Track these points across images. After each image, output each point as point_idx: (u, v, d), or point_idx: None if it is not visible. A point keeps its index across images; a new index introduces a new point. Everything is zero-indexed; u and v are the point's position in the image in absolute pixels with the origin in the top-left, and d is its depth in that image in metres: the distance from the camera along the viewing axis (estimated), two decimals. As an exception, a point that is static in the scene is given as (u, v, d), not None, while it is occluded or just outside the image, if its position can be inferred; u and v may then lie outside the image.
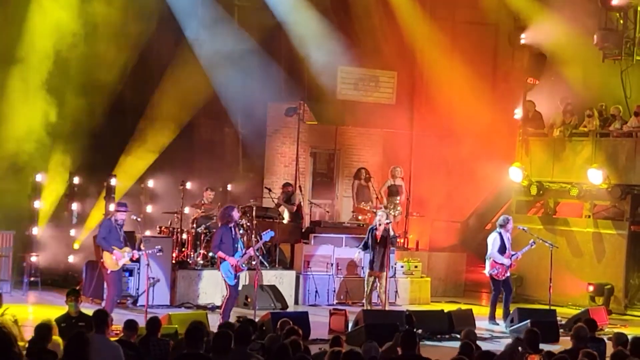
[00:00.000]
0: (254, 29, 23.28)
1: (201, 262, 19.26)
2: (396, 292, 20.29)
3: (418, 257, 21.48)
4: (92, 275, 18.29)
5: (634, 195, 21.41)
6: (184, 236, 19.51)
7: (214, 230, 18.59)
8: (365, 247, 18.26)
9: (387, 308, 18.03)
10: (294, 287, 19.89)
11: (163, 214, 20.60)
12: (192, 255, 19.34)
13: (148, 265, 16.32)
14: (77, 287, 16.62)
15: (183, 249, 19.46)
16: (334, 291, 20.09)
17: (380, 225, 18.09)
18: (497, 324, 18.03)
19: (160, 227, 20.12)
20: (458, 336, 14.51)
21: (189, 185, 20.88)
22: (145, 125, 22.36)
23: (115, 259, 15.50)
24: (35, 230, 20.32)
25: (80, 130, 20.37)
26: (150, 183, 22.20)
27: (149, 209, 22.06)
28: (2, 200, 19.49)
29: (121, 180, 21.24)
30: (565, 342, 13.90)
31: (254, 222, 19.56)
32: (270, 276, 19.48)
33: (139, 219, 18.07)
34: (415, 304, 20.33)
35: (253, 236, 18.94)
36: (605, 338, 13.04)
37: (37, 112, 19.43)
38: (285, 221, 21.21)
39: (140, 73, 21.79)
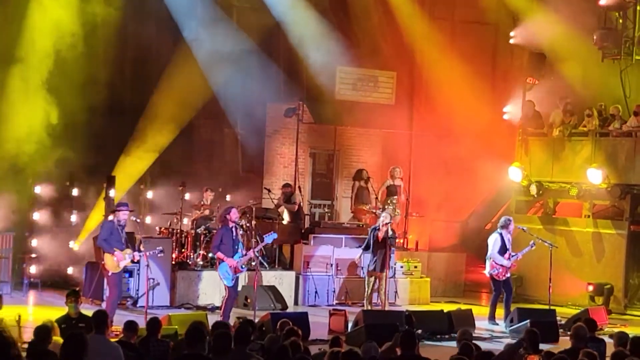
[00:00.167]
0: (252, 29, 23.28)
1: (201, 262, 19.26)
2: (396, 292, 20.30)
3: (418, 258, 21.49)
4: (92, 276, 18.30)
5: (634, 195, 21.42)
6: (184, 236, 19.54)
7: (214, 230, 18.61)
8: (367, 248, 18.27)
9: (386, 308, 18.04)
10: (294, 287, 19.89)
11: (162, 214, 20.59)
12: (191, 256, 19.34)
13: (148, 266, 16.32)
14: (77, 288, 16.59)
15: (183, 250, 19.46)
16: (334, 292, 20.09)
17: (382, 226, 18.10)
18: (497, 324, 18.03)
19: (159, 228, 20.12)
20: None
21: (188, 186, 20.89)
22: (144, 125, 22.35)
23: (116, 260, 15.46)
24: (35, 232, 20.31)
25: (80, 130, 20.36)
26: (150, 184, 22.18)
27: (149, 209, 22.05)
28: (1, 201, 19.48)
29: (120, 180, 21.24)
30: (565, 342, 13.88)
31: (254, 222, 19.58)
32: (270, 277, 19.48)
33: (138, 220, 18.06)
34: (415, 304, 20.33)
35: (253, 237, 18.96)
36: (607, 337, 13.04)
37: (37, 113, 19.42)
38: (284, 222, 21.22)
39: (139, 73, 21.80)
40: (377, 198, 22.07)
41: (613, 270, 21.39)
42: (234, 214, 16.20)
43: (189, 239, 19.46)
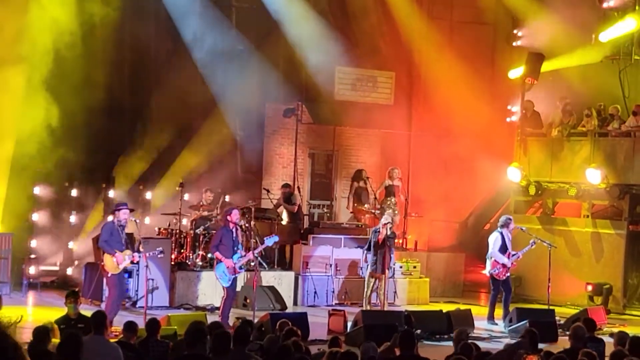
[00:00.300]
0: (251, 29, 23.30)
1: (200, 263, 19.26)
2: (395, 292, 20.30)
3: (417, 258, 21.50)
4: (91, 276, 18.30)
5: (633, 195, 21.42)
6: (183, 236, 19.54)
7: (213, 231, 18.62)
8: (369, 249, 18.29)
9: (385, 308, 18.05)
10: (293, 287, 19.89)
11: (162, 215, 20.59)
12: (191, 257, 19.34)
13: (147, 266, 16.31)
14: (77, 289, 16.59)
15: (182, 251, 19.46)
16: (333, 292, 20.09)
17: (382, 227, 18.12)
18: (496, 324, 18.03)
19: (159, 229, 20.12)
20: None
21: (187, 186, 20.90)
22: (143, 126, 22.36)
23: (116, 262, 15.45)
24: (34, 232, 20.30)
25: (79, 131, 20.36)
26: (149, 184, 22.18)
27: (148, 208, 22.04)
28: (1, 201, 19.49)
29: (119, 180, 21.24)
30: (564, 342, 13.90)
31: (253, 223, 19.58)
32: (269, 277, 19.48)
33: (137, 221, 18.06)
34: (414, 304, 20.33)
35: (252, 237, 18.96)
36: (607, 336, 13.04)
37: (37, 113, 19.42)
38: (284, 222, 21.22)
39: (138, 74, 21.80)
40: (376, 198, 22.07)
41: (612, 270, 21.40)
42: (235, 215, 16.20)
43: (188, 239, 19.46)
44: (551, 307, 18.00)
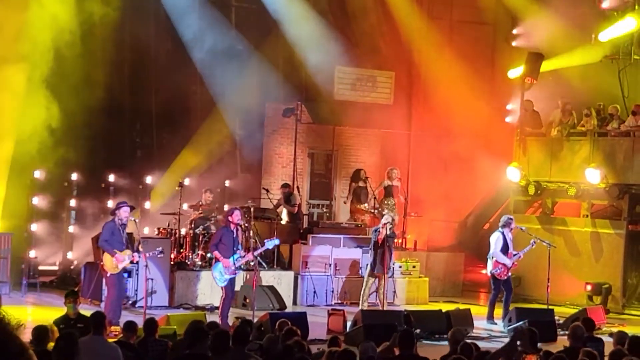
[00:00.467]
0: (251, 29, 23.30)
1: (199, 263, 19.25)
2: (394, 292, 20.30)
3: (416, 257, 21.49)
4: (91, 276, 18.30)
5: (632, 195, 21.43)
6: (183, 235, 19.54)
7: (212, 231, 18.62)
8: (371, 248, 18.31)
9: (385, 308, 18.05)
10: (292, 287, 19.89)
11: (161, 214, 20.59)
12: (190, 256, 19.34)
13: (146, 266, 16.31)
14: (76, 289, 16.60)
15: (181, 250, 19.46)
16: (332, 291, 20.09)
17: (382, 227, 18.13)
18: (495, 324, 18.03)
19: (158, 228, 20.12)
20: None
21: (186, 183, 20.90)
22: (142, 126, 22.35)
23: (115, 262, 15.45)
24: (34, 231, 20.31)
25: (78, 130, 20.36)
26: (148, 184, 22.18)
27: (147, 207, 22.05)
28: (1, 200, 19.48)
29: (118, 180, 21.24)
30: (563, 342, 13.90)
31: (252, 223, 19.58)
32: (268, 277, 19.49)
33: (136, 220, 18.05)
34: (413, 304, 20.33)
35: (251, 237, 18.97)
36: (607, 336, 13.04)
37: (37, 112, 19.42)
38: (283, 222, 21.22)
39: (138, 73, 21.79)
40: (375, 198, 22.07)
41: (611, 269, 21.41)
42: (237, 216, 16.17)
43: (188, 239, 19.46)
44: (550, 307, 18.01)
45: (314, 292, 19.88)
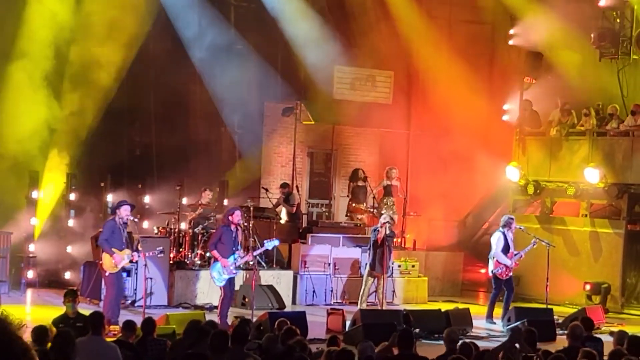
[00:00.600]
0: (250, 28, 23.29)
1: (198, 262, 19.25)
2: (393, 291, 20.30)
3: (415, 257, 21.49)
4: (89, 275, 18.29)
5: (631, 194, 21.43)
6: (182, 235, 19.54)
7: (212, 230, 18.61)
8: (369, 248, 18.30)
9: (384, 307, 18.05)
10: (292, 287, 19.88)
11: (160, 214, 20.59)
12: (189, 256, 19.34)
13: (146, 265, 16.31)
14: (75, 288, 16.59)
15: (180, 250, 19.46)
16: (332, 291, 20.09)
17: (381, 226, 18.12)
18: (495, 323, 18.02)
19: (157, 228, 20.11)
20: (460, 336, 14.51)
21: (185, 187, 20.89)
22: (141, 125, 22.34)
23: (114, 262, 15.44)
24: (33, 231, 20.30)
25: (77, 130, 20.35)
26: (147, 183, 22.17)
27: (146, 208, 22.04)
28: (1, 200, 19.48)
29: (118, 180, 21.24)
30: (562, 341, 13.91)
31: (252, 222, 19.58)
32: (267, 276, 19.49)
33: (136, 219, 18.05)
34: (412, 304, 20.32)
35: (250, 237, 18.97)
36: (607, 335, 13.04)
37: (35, 112, 19.40)
38: (282, 221, 21.22)
39: (136, 73, 21.77)
40: (374, 197, 22.06)
41: (610, 269, 21.41)
42: (237, 216, 16.13)
43: (187, 238, 19.46)
44: (549, 306, 18.01)
45: (313, 291, 19.87)
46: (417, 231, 23.56)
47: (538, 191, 22.77)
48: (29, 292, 19.36)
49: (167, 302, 18.48)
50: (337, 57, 24.13)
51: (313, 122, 24.27)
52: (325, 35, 23.64)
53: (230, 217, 16.05)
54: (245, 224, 18.97)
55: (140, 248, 15.97)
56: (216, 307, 16.62)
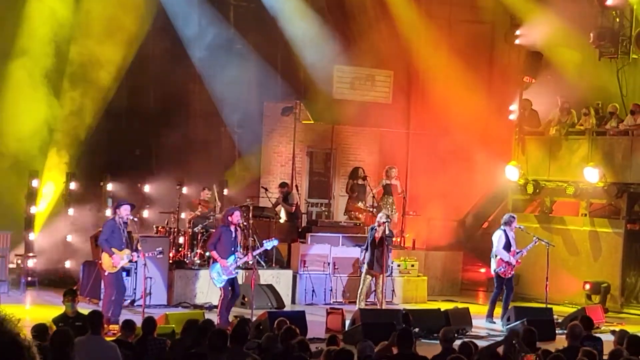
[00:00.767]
0: (249, 28, 23.29)
1: (198, 261, 19.25)
2: (393, 291, 20.30)
3: (415, 256, 21.48)
4: (89, 275, 18.29)
5: (630, 194, 21.43)
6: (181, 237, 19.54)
7: (211, 230, 18.61)
8: (367, 247, 18.28)
9: (383, 307, 18.04)
10: (291, 286, 19.87)
11: (160, 214, 20.59)
12: (189, 255, 19.34)
13: (145, 265, 16.31)
14: (75, 287, 16.59)
15: (180, 249, 19.46)
16: (331, 290, 20.08)
17: (378, 226, 18.11)
18: (494, 323, 18.01)
19: (157, 227, 20.11)
20: (455, 335, 14.51)
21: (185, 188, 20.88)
22: (140, 125, 22.34)
23: (113, 262, 15.43)
24: (32, 230, 20.30)
25: (77, 129, 20.35)
26: (147, 183, 22.16)
27: (146, 209, 22.03)
28: (0, 198, 19.48)
29: (117, 179, 21.23)
30: (562, 341, 13.92)
31: (251, 222, 19.58)
32: (267, 275, 19.49)
33: (135, 219, 18.04)
34: (411, 303, 20.31)
35: (250, 236, 18.96)
36: (608, 334, 13.04)
37: (35, 111, 19.40)
38: (281, 221, 21.22)
39: (136, 72, 21.77)
40: (374, 197, 22.06)
41: (610, 268, 21.41)
42: (237, 217, 16.10)
43: (186, 238, 19.46)
44: (549, 306, 18.01)
45: (313, 290, 19.87)
46: (417, 230, 23.55)
47: (537, 190, 22.77)
48: (29, 292, 19.35)
49: (167, 301, 18.47)
50: (336, 57, 24.14)
51: (312, 122, 24.28)
52: (324, 34, 23.65)
53: (229, 218, 16.02)
54: (245, 223, 18.97)
55: (139, 248, 15.96)
56: (216, 307, 16.63)
